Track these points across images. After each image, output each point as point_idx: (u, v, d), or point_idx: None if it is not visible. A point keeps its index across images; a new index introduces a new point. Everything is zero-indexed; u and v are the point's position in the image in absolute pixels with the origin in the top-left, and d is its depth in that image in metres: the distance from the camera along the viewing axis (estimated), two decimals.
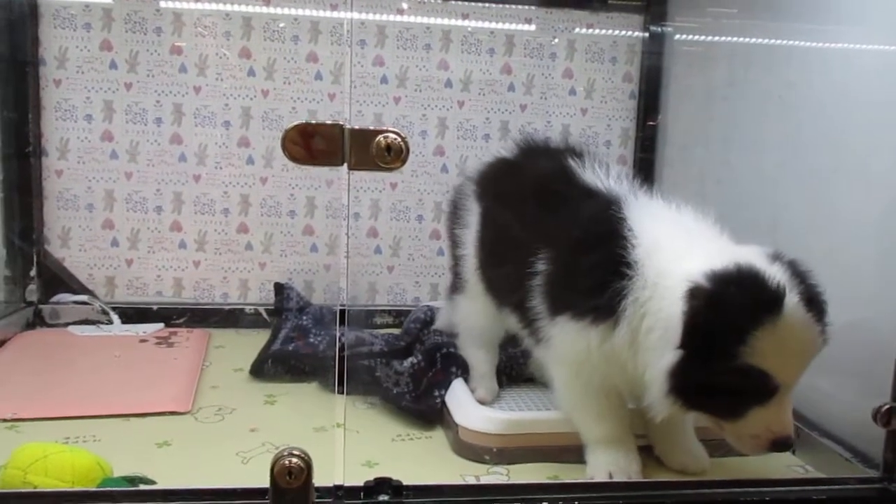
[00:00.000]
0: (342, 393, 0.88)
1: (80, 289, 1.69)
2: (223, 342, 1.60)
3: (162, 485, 0.90)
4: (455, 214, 1.31)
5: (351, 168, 0.76)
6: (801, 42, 1.33)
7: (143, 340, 1.56)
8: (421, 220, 1.79)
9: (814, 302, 0.88)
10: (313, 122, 0.75)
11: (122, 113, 1.66)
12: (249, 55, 1.68)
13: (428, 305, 1.61)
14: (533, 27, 1.76)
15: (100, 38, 1.64)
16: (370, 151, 0.76)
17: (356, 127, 0.76)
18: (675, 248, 0.94)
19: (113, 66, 1.65)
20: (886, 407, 0.92)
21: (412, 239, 1.79)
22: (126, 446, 1.08)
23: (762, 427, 0.89)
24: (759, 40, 1.47)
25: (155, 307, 1.69)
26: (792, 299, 0.85)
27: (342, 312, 0.94)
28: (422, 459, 1.10)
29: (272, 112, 1.71)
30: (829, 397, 1.10)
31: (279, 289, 1.67)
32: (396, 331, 1.60)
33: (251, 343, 1.55)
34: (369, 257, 1.80)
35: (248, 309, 1.73)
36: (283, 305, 1.64)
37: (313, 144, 0.75)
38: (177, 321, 1.69)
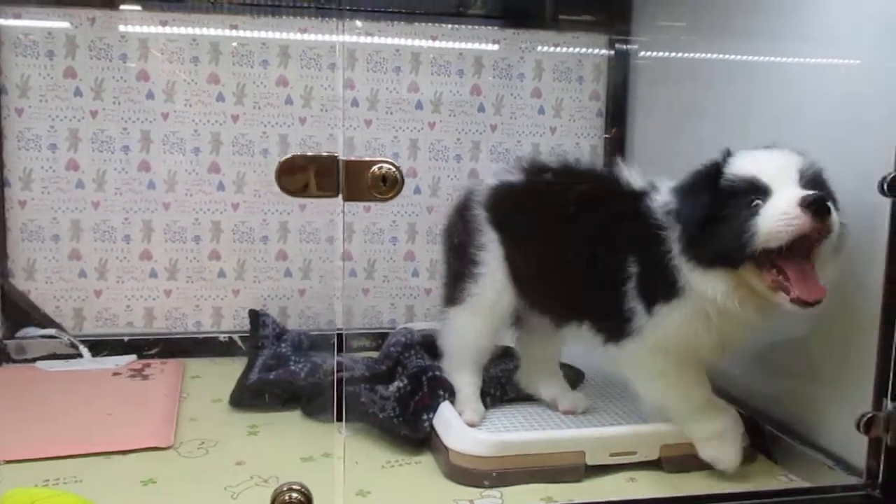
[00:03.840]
0: (340, 422, 0.87)
1: (47, 322, 1.64)
2: (199, 372, 1.57)
3: None
4: (463, 232, 1.29)
5: (346, 199, 0.76)
6: (758, 58, 1.37)
7: (116, 374, 1.53)
8: (395, 241, 1.79)
9: None
10: (310, 153, 0.75)
11: (87, 141, 1.63)
12: (218, 80, 1.67)
13: (406, 328, 1.61)
14: (500, 47, 1.78)
15: (63, 65, 1.60)
16: (365, 182, 0.76)
17: (351, 158, 0.76)
18: None
19: (78, 93, 1.61)
20: (869, 415, 0.95)
21: (387, 261, 1.79)
22: (111, 486, 1.06)
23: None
24: (717, 56, 1.51)
25: (126, 339, 1.66)
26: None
27: (339, 337, 0.93)
28: (414, 486, 1.10)
29: (242, 137, 1.69)
30: (810, 406, 1.13)
31: (254, 316, 1.65)
32: (375, 354, 1.59)
33: (228, 372, 1.52)
34: (343, 280, 1.79)
35: (222, 337, 1.70)
36: (259, 332, 1.62)
37: (308, 177, 0.75)
38: (149, 352, 1.65)
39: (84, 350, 1.61)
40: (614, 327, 1.12)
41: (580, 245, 1.15)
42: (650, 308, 1.08)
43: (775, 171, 0.98)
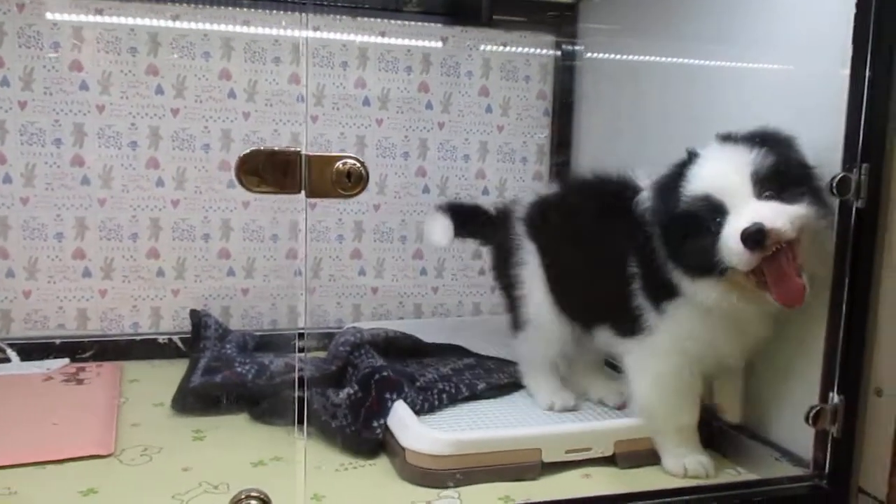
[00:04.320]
0: (301, 424, 0.84)
1: None
2: (137, 376, 1.51)
3: None
4: (505, 257, 1.36)
5: (309, 196, 0.74)
6: (697, 61, 1.40)
7: (47, 378, 1.45)
8: (342, 240, 1.76)
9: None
10: (276, 148, 0.72)
11: (15, 133, 1.55)
12: (157, 72, 1.61)
13: (355, 327, 1.59)
14: (448, 45, 1.77)
15: None
16: (329, 178, 0.73)
17: (314, 153, 0.73)
18: None
19: (5, 83, 1.53)
20: (817, 408, 0.98)
21: (332, 259, 1.76)
22: (48, 498, 1.00)
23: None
24: (658, 58, 1.53)
25: (58, 341, 1.58)
26: None
27: (300, 336, 0.91)
28: (369, 489, 1.08)
29: (183, 132, 1.63)
30: (757, 401, 1.16)
31: (196, 316, 1.60)
32: (322, 354, 1.55)
33: (168, 375, 1.47)
34: (289, 279, 1.75)
35: (161, 339, 1.64)
36: (201, 333, 1.57)
37: (269, 171, 0.72)
38: (83, 355, 1.58)
39: (12, 354, 1.53)
40: (627, 325, 1.13)
41: (593, 248, 1.20)
42: (658, 306, 1.09)
43: (729, 185, 0.97)
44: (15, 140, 1.55)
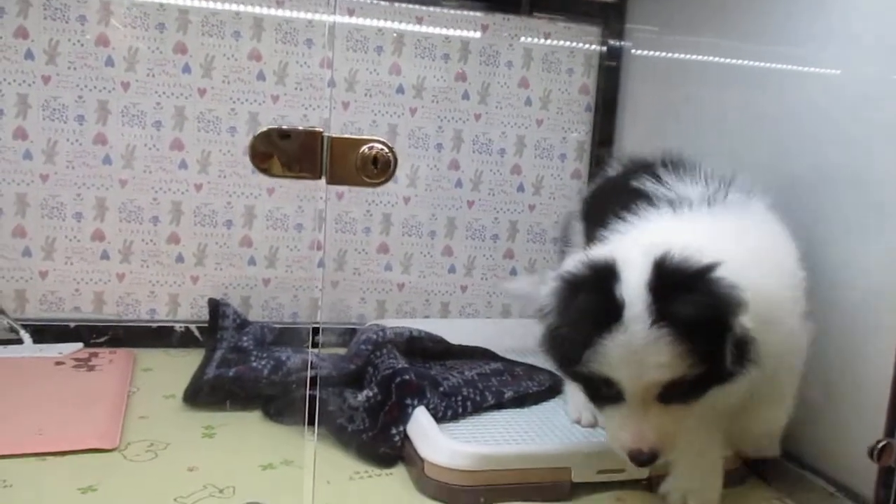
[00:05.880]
0: (311, 426, 0.77)
1: None
2: (151, 364, 1.45)
3: None
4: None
5: (330, 182, 0.66)
6: (754, 62, 1.31)
7: (59, 363, 1.40)
8: (368, 232, 1.68)
9: (676, 317, 0.79)
10: (285, 127, 0.65)
11: (38, 108, 1.50)
12: (185, 50, 1.55)
13: (377, 324, 1.51)
14: (488, 33, 1.69)
15: (14, 24, 1.46)
16: (353, 164, 0.66)
17: (337, 135, 0.66)
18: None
19: (29, 56, 1.48)
20: (883, 443, 0.88)
21: (358, 253, 1.69)
22: (44, 493, 0.94)
23: (614, 431, 0.87)
24: (713, 58, 1.45)
25: (72, 325, 1.53)
26: (634, 311, 0.79)
27: (315, 331, 0.83)
28: (384, 501, 1.00)
29: (209, 113, 1.57)
30: (812, 429, 1.07)
31: (214, 305, 1.54)
32: (342, 351, 1.49)
33: (182, 365, 1.41)
34: (312, 271, 1.68)
35: (178, 327, 1.58)
36: (219, 324, 1.51)
37: (287, 154, 0.65)
38: (97, 340, 1.52)
39: (25, 336, 1.48)
40: None
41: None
42: None
43: (630, 388, 0.82)
44: (37, 115, 1.50)
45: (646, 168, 1.11)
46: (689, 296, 0.79)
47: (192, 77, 1.55)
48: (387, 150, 0.66)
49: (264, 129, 0.65)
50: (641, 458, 0.84)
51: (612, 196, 1.15)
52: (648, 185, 1.03)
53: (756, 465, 1.10)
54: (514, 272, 1.77)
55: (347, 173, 0.66)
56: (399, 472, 1.08)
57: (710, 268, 0.80)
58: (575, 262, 0.87)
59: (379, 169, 0.66)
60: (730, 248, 0.83)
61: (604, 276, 0.82)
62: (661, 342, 0.78)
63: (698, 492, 1.00)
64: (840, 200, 1.06)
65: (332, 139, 0.65)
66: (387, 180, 0.67)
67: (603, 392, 0.85)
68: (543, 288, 0.88)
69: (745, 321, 0.79)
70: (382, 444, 1.10)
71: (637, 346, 0.79)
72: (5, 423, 1.12)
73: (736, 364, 0.80)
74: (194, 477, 1.01)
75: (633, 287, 0.80)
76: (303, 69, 1.60)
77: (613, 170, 1.27)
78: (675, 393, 0.82)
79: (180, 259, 1.60)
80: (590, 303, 0.82)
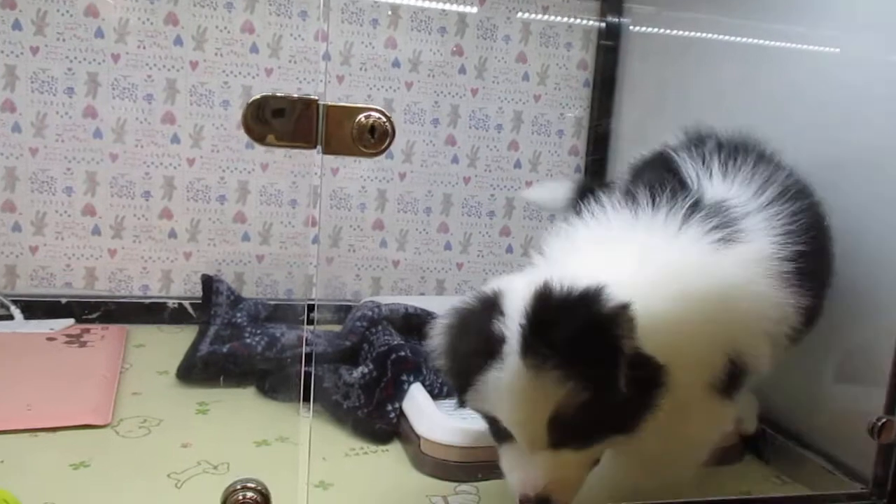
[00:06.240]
0: (307, 402, 0.75)
1: None
2: (143, 340, 1.44)
3: None
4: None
5: (326, 152, 0.64)
6: (754, 40, 1.30)
7: (50, 339, 1.38)
8: (363, 208, 1.66)
9: (550, 345, 0.71)
10: (280, 94, 0.63)
11: (26, 80, 1.47)
12: (177, 22, 1.51)
13: (373, 300, 1.50)
14: (486, 7, 1.66)
15: None
16: (349, 132, 0.64)
17: (332, 103, 0.64)
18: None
19: (17, 26, 1.44)
20: (883, 420, 0.88)
21: (353, 229, 1.67)
22: (35, 469, 0.93)
23: (506, 472, 0.79)
24: (712, 35, 1.43)
25: (63, 300, 1.51)
26: (511, 345, 0.72)
27: (311, 308, 0.81)
28: (380, 478, 0.99)
29: (201, 86, 1.54)
30: (810, 407, 1.06)
31: (207, 281, 1.52)
32: (337, 328, 1.47)
33: (175, 342, 1.40)
34: (306, 247, 1.66)
35: (170, 303, 1.56)
36: (212, 300, 1.49)
37: (281, 122, 0.63)
38: (89, 316, 1.51)
39: (16, 311, 1.46)
40: None
41: None
42: None
43: (521, 433, 0.75)
44: (26, 87, 1.47)
45: (687, 148, 1.02)
46: (564, 322, 0.71)
47: (183, 49, 1.52)
48: (384, 120, 0.64)
49: (258, 96, 0.63)
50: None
51: (642, 170, 1.07)
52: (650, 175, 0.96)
53: (754, 443, 1.10)
54: (510, 250, 1.75)
55: (343, 143, 0.64)
56: (395, 449, 1.07)
57: (592, 291, 0.72)
58: (464, 297, 0.81)
59: (376, 139, 0.64)
60: (634, 272, 0.76)
61: (487, 311, 0.76)
62: (537, 375, 0.70)
63: None
64: (843, 177, 1.05)
65: (327, 107, 0.63)
66: (384, 150, 0.65)
67: (496, 430, 0.79)
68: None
69: (639, 341, 0.70)
70: (378, 421, 1.09)
71: (514, 382, 0.72)
72: None
73: (634, 389, 0.70)
74: (188, 453, 1.00)
75: (513, 320, 0.73)
76: (297, 42, 1.57)
77: (674, 140, 1.14)
78: (566, 433, 0.73)
79: (173, 234, 1.58)
80: (470, 341, 0.76)
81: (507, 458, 0.79)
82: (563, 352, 0.70)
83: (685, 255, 0.81)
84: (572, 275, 0.74)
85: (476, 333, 0.76)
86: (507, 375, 0.72)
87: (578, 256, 0.82)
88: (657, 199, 0.86)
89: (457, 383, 0.80)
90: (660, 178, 0.92)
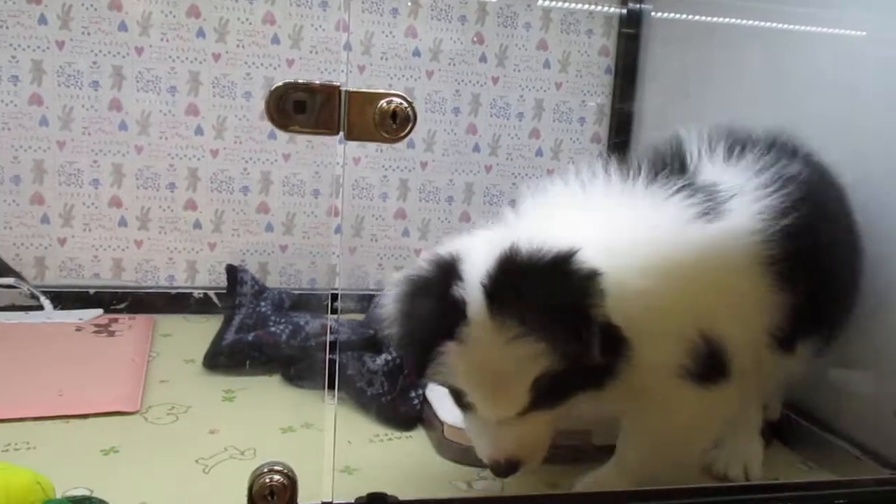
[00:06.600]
0: (332, 389, 0.76)
1: (6, 270, 1.51)
2: (170, 330, 1.46)
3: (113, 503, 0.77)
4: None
5: (348, 138, 0.65)
6: (778, 24, 1.28)
7: (79, 329, 1.41)
8: (385, 198, 1.67)
9: (517, 311, 0.69)
10: (301, 81, 0.63)
11: (52, 74, 1.49)
12: (198, 14, 1.53)
13: None
14: None
15: None
16: (371, 118, 0.64)
17: (354, 89, 0.64)
18: None
19: (42, 21, 1.47)
20: None
21: (375, 218, 1.68)
22: (67, 455, 0.95)
23: (474, 439, 0.79)
24: (734, 20, 1.41)
25: (91, 291, 1.53)
26: (473, 311, 0.70)
27: (334, 297, 0.82)
28: (404, 464, 1.00)
29: (224, 78, 1.56)
30: (836, 391, 1.05)
31: (232, 271, 1.53)
32: (360, 317, 1.48)
33: (201, 331, 1.42)
34: (329, 237, 1.68)
35: (196, 293, 1.58)
36: (237, 290, 1.51)
37: (303, 109, 0.64)
38: (117, 306, 1.53)
39: (45, 302, 1.49)
40: None
41: None
42: None
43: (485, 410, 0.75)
44: (52, 81, 1.49)
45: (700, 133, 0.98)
46: (531, 286, 0.69)
47: (206, 42, 1.54)
48: (406, 105, 0.64)
49: (280, 84, 0.63)
50: (499, 469, 0.76)
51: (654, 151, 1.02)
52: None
53: (779, 430, 1.09)
54: None
55: (366, 129, 0.64)
56: (419, 435, 1.08)
57: (563, 255, 0.69)
58: (419, 262, 0.78)
59: (398, 124, 0.64)
60: (599, 237, 0.74)
61: (444, 276, 0.73)
62: (505, 343, 0.69)
63: (740, 460, 0.97)
64: (866, 161, 1.03)
65: (349, 93, 0.64)
66: (406, 136, 0.65)
67: (460, 399, 0.78)
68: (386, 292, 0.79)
69: (609, 310, 0.69)
70: (402, 407, 1.10)
71: (478, 351, 0.70)
72: (28, 387, 1.13)
73: (606, 356, 0.70)
74: (215, 439, 1.02)
75: (475, 285, 0.70)
76: (318, 32, 1.58)
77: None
78: (533, 399, 0.73)
79: (198, 225, 1.60)
80: (426, 307, 0.73)
81: (474, 424, 0.78)
82: (529, 319, 0.68)
83: (661, 224, 0.78)
84: (542, 236, 0.72)
85: (433, 300, 0.72)
86: (469, 344, 0.70)
87: (551, 217, 0.80)
88: (648, 173, 0.84)
89: (412, 355, 0.77)
90: (662, 156, 0.91)
